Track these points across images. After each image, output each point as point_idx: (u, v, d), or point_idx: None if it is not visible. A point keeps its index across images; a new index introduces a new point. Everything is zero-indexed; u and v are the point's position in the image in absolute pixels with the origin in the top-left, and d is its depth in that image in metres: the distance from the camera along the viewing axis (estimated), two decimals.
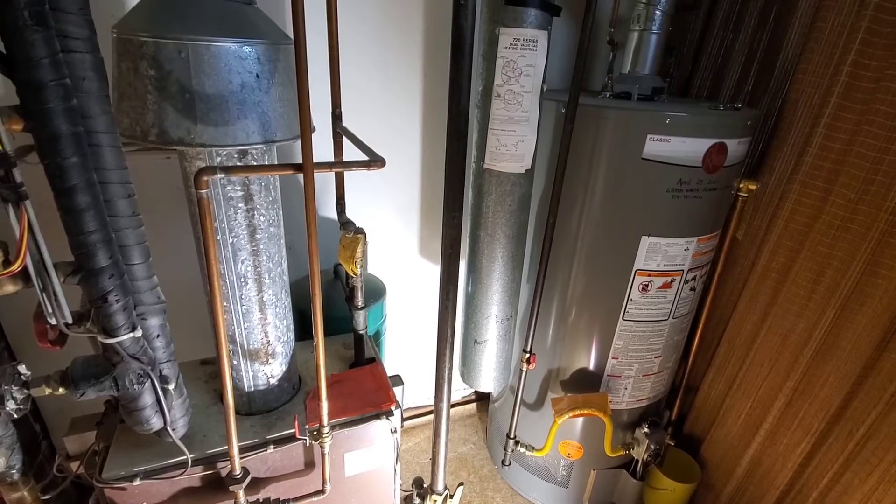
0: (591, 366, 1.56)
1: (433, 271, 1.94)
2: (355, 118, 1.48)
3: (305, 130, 0.83)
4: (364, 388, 1.23)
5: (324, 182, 1.56)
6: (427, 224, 1.85)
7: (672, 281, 1.42)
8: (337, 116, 1.23)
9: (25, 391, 0.71)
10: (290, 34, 0.88)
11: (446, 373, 1.06)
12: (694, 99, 1.73)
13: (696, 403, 1.86)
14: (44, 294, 0.65)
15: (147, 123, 0.81)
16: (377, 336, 1.57)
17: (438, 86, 1.64)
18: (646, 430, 1.62)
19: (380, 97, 1.57)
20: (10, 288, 0.64)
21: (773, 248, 1.52)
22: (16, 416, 0.71)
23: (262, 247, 1.01)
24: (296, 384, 1.24)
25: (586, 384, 1.59)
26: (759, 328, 1.59)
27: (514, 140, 1.23)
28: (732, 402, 1.70)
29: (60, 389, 0.73)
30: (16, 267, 0.61)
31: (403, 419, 1.36)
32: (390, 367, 1.81)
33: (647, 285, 1.41)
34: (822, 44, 1.39)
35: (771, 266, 1.54)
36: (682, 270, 1.42)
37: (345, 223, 1.20)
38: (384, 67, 1.54)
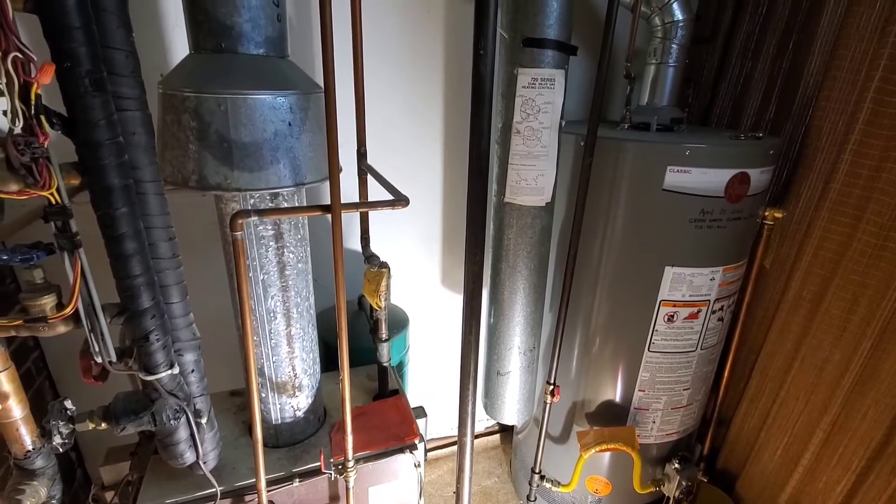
0: (618, 398, 1.53)
1: (455, 301, 1.95)
2: (380, 149, 1.53)
3: (334, 174, 0.87)
4: (388, 420, 1.24)
5: (349, 217, 1.61)
6: (449, 254, 1.88)
7: (698, 311, 1.40)
8: (362, 154, 1.28)
9: (71, 426, 0.75)
10: (320, 82, 0.93)
11: (470, 407, 1.06)
12: (714, 128, 1.73)
13: (730, 437, 1.80)
14: (92, 334, 0.69)
15: (188, 170, 0.86)
16: (400, 366, 1.58)
17: (459, 118, 1.68)
18: (676, 465, 1.56)
19: (403, 128, 1.62)
20: (61, 329, 0.68)
21: (803, 277, 1.48)
22: (61, 450, 0.75)
23: (290, 282, 1.05)
24: (321, 416, 1.26)
25: (613, 417, 1.55)
26: (793, 359, 1.53)
27: (533, 174, 1.25)
28: (768, 437, 1.63)
29: (103, 424, 0.77)
30: (69, 311, 0.65)
31: (427, 451, 1.36)
32: (413, 397, 1.82)
33: (672, 316, 1.39)
34: (845, 71, 1.38)
35: (802, 295, 1.50)
36: (709, 300, 1.39)
37: (369, 257, 1.23)
38: (408, 99, 1.60)
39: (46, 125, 0.60)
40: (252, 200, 0.95)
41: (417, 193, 1.73)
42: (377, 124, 1.53)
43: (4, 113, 0.59)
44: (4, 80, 0.55)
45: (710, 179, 1.26)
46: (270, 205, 0.97)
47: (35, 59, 0.57)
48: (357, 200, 1.33)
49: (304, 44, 1.41)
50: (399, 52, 1.53)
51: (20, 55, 0.55)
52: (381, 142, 1.56)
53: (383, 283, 1.13)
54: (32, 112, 0.58)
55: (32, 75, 0.56)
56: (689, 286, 1.36)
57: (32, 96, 0.57)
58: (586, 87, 1.78)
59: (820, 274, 1.44)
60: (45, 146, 0.60)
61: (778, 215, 1.47)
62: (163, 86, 0.86)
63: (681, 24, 1.42)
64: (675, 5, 1.41)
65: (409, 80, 1.57)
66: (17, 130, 0.58)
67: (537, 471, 1.64)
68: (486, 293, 1.50)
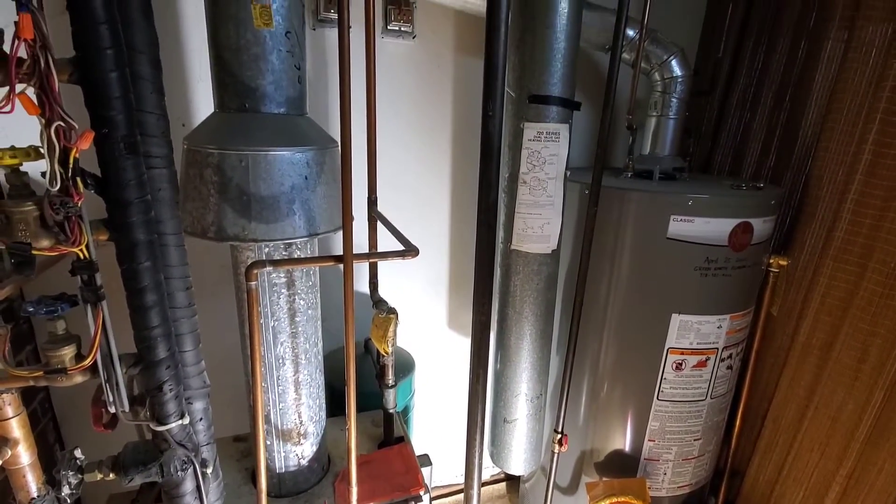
0: (627, 448, 1.50)
1: (462, 343, 1.95)
2: (390, 194, 1.56)
3: (347, 226, 0.90)
4: (393, 469, 1.22)
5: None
6: (456, 296, 1.89)
7: (707, 359, 1.39)
8: (372, 202, 1.32)
9: (80, 476, 0.75)
10: (334, 133, 0.97)
11: (477, 459, 1.04)
12: (716, 176, 1.77)
13: (744, 491, 1.74)
14: (108, 385, 0.70)
15: (207, 222, 0.90)
16: (405, 411, 1.57)
17: (467, 163, 1.73)
18: None
19: (413, 173, 1.67)
20: (78, 379, 0.69)
21: (811, 324, 1.48)
22: (69, 501, 0.74)
23: (300, 329, 1.06)
24: (325, 464, 1.24)
25: (622, 468, 1.52)
26: (806, 409, 1.51)
27: (539, 222, 1.28)
28: (783, 490, 1.58)
29: (111, 475, 0.77)
30: (88, 362, 0.67)
31: (432, 500, 1.33)
32: (418, 442, 1.79)
33: (680, 364, 1.38)
34: (841, 123, 1.43)
35: (811, 342, 1.49)
36: (717, 348, 1.39)
37: (377, 301, 1.25)
38: (418, 145, 1.66)
39: (81, 186, 0.63)
40: (266, 249, 0.98)
41: (426, 236, 1.76)
42: (388, 169, 1.58)
43: (43, 174, 0.62)
44: (46, 146, 0.60)
45: (713, 229, 1.28)
46: (284, 254, 1.00)
47: (76, 126, 0.61)
48: (367, 245, 1.36)
49: (320, 94, 1.48)
50: (410, 103, 1.60)
51: (63, 124, 0.59)
52: (391, 186, 1.60)
53: (391, 329, 1.15)
54: (69, 174, 0.62)
55: (72, 141, 0.60)
56: (696, 334, 1.36)
57: (71, 160, 0.61)
58: (590, 135, 1.83)
59: (828, 321, 1.44)
60: (79, 205, 0.63)
61: (783, 263, 1.48)
62: (188, 142, 0.91)
63: (679, 80, 1.49)
64: (673, 62, 1.48)
65: (419, 127, 1.64)
66: (54, 191, 0.61)
67: None
68: (492, 337, 1.50)
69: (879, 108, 1.34)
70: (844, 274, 1.40)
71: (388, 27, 1.50)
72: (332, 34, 1.45)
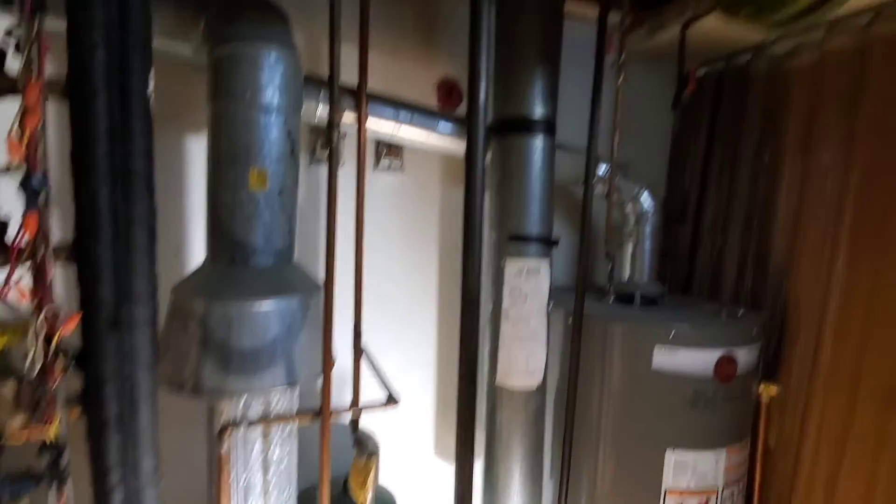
0: None
1: (448, 473, 1.83)
2: (376, 317, 1.55)
3: (327, 382, 0.90)
4: None
5: (341, 383, 1.58)
6: (443, 421, 1.81)
7: (707, 500, 1.31)
8: (358, 334, 1.32)
9: None
10: (319, 269, 0.99)
11: None
12: (696, 298, 1.80)
13: None
14: None
15: (185, 375, 0.90)
16: None
17: (452, 283, 1.77)
18: None
19: (398, 294, 1.70)
20: None
21: (812, 457, 1.42)
22: None
23: (273, 482, 1.01)
24: None
25: None
26: None
27: (524, 355, 1.28)
28: None
29: None
30: None
31: None
32: None
33: None
34: (809, 248, 1.48)
35: (815, 477, 1.41)
36: (717, 488, 1.31)
37: (357, 441, 1.19)
38: (404, 267, 1.70)
39: (60, 366, 0.64)
40: (245, 397, 0.96)
41: (412, 359, 1.74)
42: (375, 294, 1.59)
43: (24, 355, 0.63)
44: (32, 332, 0.61)
45: (698, 361, 1.28)
46: (261, 399, 0.98)
47: (64, 311, 0.64)
48: (351, 377, 1.33)
49: (311, 221, 1.52)
50: (399, 226, 1.68)
51: (50, 312, 0.62)
52: (378, 311, 1.60)
53: (371, 477, 1.09)
54: (51, 354, 0.63)
55: (58, 326, 0.62)
56: (693, 472, 1.29)
57: (54, 343, 0.63)
58: (572, 253, 1.88)
59: (828, 453, 1.38)
60: (55, 387, 0.63)
61: (773, 392, 1.46)
62: (174, 295, 0.94)
63: (651, 212, 1.59)
64: (643, 196, 1.60)
65: (407, 250, 1.70)
66: (34, 374, 0.62)
67: None
68: (478, 471, 1.41)
69: (842, 239, 1.40)
70: (837, 400, 1.37)
71: (379, 163, 1.63)
72: (326, 171, 1.55)
